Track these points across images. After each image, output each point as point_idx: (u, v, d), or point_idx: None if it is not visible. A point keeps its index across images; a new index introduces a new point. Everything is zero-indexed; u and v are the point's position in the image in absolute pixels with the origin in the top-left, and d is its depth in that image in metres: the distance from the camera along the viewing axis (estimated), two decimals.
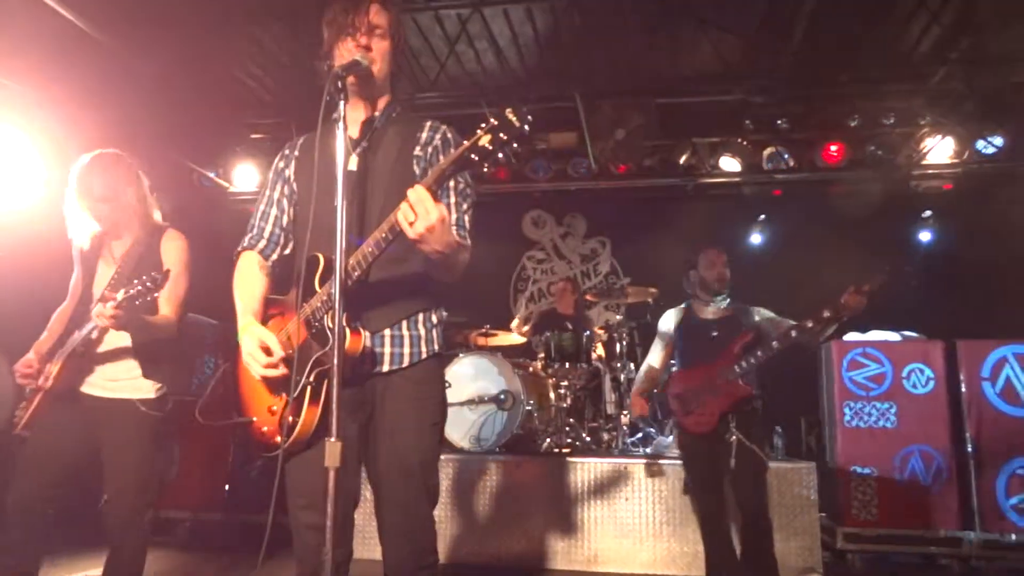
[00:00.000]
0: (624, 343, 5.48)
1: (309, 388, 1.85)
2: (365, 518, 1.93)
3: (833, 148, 6.11)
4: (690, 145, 6.39)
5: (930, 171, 6.27)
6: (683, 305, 3.95)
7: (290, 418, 1.86)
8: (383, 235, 1.75)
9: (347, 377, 1.79)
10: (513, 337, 5.81)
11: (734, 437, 3.47)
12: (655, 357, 4.03)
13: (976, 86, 5.29)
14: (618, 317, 5.51)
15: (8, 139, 4.69)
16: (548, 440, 5.09)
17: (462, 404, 4.93)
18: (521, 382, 5.01)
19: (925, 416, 4.67)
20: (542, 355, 5.32)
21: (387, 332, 1.96)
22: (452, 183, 1.96)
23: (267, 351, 1.87)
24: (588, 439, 5.14)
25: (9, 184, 4.72)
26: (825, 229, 6.61)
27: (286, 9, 4.69)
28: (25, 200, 4.71)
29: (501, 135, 1.59)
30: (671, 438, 4.81)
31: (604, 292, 6.95)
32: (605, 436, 5.31)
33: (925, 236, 6.78)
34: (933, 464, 4.59)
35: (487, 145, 1.60)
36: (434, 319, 2.05)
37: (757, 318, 3.68)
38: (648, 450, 4.96)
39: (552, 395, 5.24)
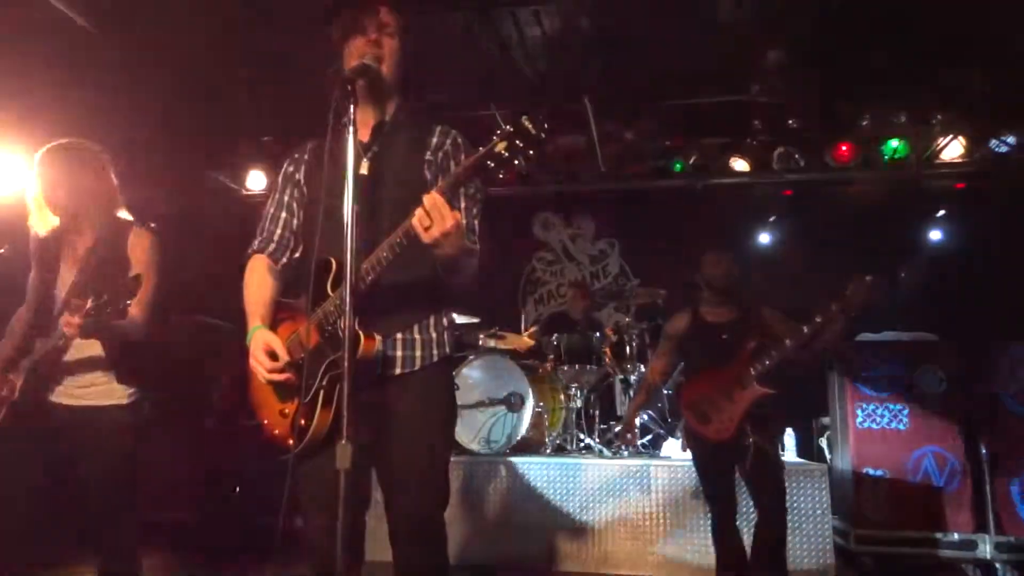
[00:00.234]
0: (634, 344, 5.46)
1: (322, 392, 1.86)
2: (376, 521, 1.93)
3: (843, 147, 6.09)
4: (699, 146, 6.38)
5: (942, 170, 6.23)
6: (690, 309, 3.89)
7: (302, 421, 1.87)
8: (398, 240, 1.76)
9: (358, 381, 1.80)
10: (523, 339, 5.81)
11: (751, 440, 3.39)
12: (658, 362, 3.97)
13: (989, 84, 5.24)
14: (627, 319, 5.49)
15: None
16: (558, 442, 5.08)
17: (472, 406, 4.94)
18: (531, 384, 5.00)
19: (938, 418, 4.63)
20: (552, 357, 5.31)
21: (399, 336, 1.96)
22: (462, 188, 1.96)
23: (273, 356, 1.89)
24: (598, 441, 5.14)
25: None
26: (836, 229, 6.56)
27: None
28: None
29: (517, 142, 1.59)
30: (679, 440, 4.80)
31: (613, 294, 6.94)
32: (615, 438, 5.29)
33: (936, 235, 6.72)
34: (947, 466, 4.55)
35: (503, 152, 1.60)
36: (444, 322, 2.06)
37: (769, 320, 3.63)
38: (658, 452, 4.95)
39: (562, 397, 5.24)
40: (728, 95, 5.85)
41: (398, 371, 1.95)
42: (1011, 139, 5.83)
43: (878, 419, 4.71)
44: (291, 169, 2.18)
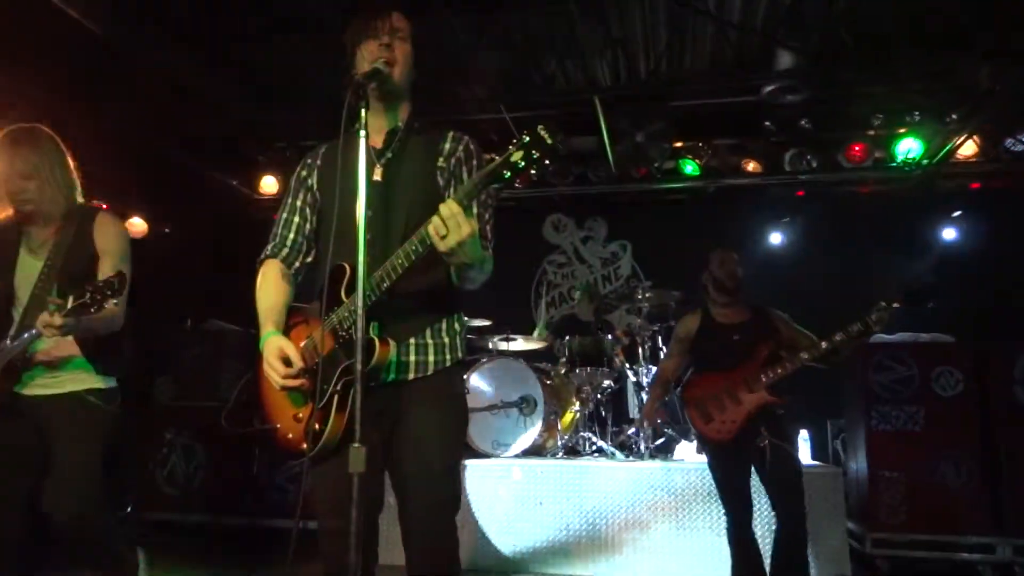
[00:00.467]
0: (647, 346, 5.44)
1: (336, 396, 1.87)
2: (389, 524, 1.94)
3: (856, 148, 6.05)
4: (711, 147, 6.35)
5: (957, 170, 6.17)
6: (700, 309, 3.88)
7: (316, 426, 1.88)
8: (413, 247, 1.77)
9: (372, 385, 1.80)
10: (535, 342, 5.81)
11: (766, 441, 3.36)
12: (669, 362, 3.96)
13: (1004, 83, 5.19)
14: (639, 320, 5.47)
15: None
16: (570, 445, 5.07)
17: (484, 409, 4.93)
18: (542, 387, 5.00)
19: (954, 420, 4.58)
20: (564, 359, 5.30)
21: (412, 341, 1.97)
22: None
23: (287, 362, 1.90)
24: (610, 443, 5.12)
25: None
26: (849, 230, 6.52)
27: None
28: None
29: (533, 152, 1.59)
30: (693, 442, 4.77)
31: (625, 296, 6.91)
32: (628, 440, 5.28)
33: (951, 234, 6.65)
34: (963, 468, 4.50)
35: (519, 161, 1.61)
36: (456, 326, 2.07)
37: (779, 324, 3.61)
38: (671, 455, 4.92)
39: (574, 399, 5.22)
40: (740, 96, 5.83)
41: (411, 376, 1.96)
42: None
43: (893, 421, 4.66)
44: (304, 174, 2.19)
